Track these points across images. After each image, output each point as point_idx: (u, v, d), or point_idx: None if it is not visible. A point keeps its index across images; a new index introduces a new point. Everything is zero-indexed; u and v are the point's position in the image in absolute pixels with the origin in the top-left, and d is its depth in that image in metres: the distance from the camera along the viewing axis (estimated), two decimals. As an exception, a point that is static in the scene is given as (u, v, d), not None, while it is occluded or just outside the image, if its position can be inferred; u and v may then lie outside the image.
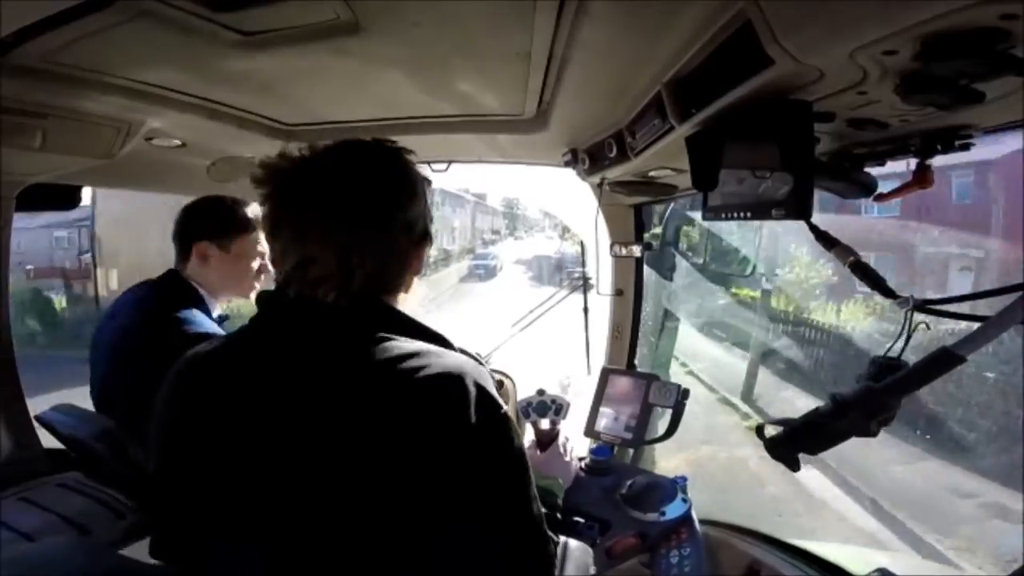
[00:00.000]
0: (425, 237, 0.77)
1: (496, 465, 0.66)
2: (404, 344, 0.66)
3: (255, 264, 1.37)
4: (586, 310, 1.95)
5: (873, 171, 0.90)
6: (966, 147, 0.77)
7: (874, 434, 0.74)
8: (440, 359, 0.65)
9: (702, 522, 1.24)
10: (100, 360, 1.29)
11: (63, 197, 1.49)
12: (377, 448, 0.61)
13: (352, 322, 0.68)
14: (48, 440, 1.31)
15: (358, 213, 0.69)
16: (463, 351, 0.71)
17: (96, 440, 1.18)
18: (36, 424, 1.35)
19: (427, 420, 0.62)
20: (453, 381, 0.64)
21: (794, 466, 0.78)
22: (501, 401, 0.67)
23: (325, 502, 0.61)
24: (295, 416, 0.63)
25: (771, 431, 0.79)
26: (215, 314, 1.35)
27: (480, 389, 0.65)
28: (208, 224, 1.34)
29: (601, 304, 1.88)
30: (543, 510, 0.71)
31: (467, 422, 0.63)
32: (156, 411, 0.71)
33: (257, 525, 0.63)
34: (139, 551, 0.73)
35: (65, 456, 1.30)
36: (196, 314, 1.26)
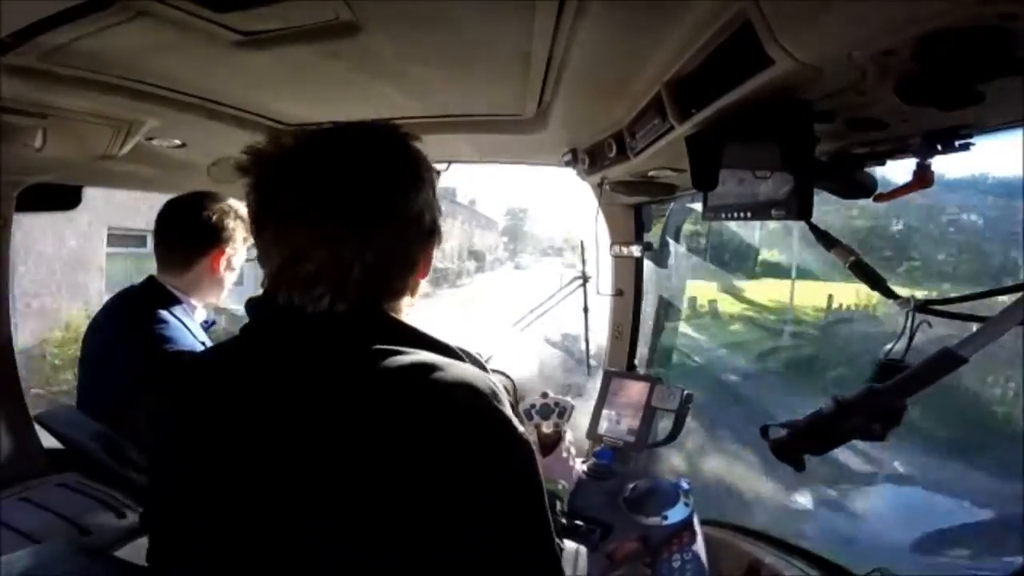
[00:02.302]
0: (433, 232, 0.69)
1: (507, 488, 0.59)
2: (410, 356, 0.60)
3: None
4: (586, 310, 1.94)
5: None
6: (966, 147, 0.77)
7: (881, 438, 0.74)
8: (450, 371, 0.59)
9: (703, 522, 1.24)
10: (84, 368, 1.29)
11: (63, 197, 1.49)
12: (379, 470, 0.56)
13: (349, 336, 0.61)
14: (48, 440, 1.31)
15: (354, 198, 0.61)
16: (465, 352, 0.67)
17: (95, 441, 1.18)
18: (36, 424, 1.35)
19: (432, 439, 0.57)
20: (463, 396, 0.59)
21: (799, 467, 0.78)
22: (514, 419, 0.61)
23: (323, 526, 0.57)
24: (290, 439, 0.58)
25: (775, 433, 0.79)
26: (200, 319, 1.29)
27: (490, 405, 0.59)
28: (221, 229, 1.27)
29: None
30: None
31: (475, 440, 0.58)
32: (151, 429, 0.68)
33: (250, 550, 0.59)
34: (139, 551, 0.73)
35: (65, 456, 1.30)
36: (174, 328, 1.20)
